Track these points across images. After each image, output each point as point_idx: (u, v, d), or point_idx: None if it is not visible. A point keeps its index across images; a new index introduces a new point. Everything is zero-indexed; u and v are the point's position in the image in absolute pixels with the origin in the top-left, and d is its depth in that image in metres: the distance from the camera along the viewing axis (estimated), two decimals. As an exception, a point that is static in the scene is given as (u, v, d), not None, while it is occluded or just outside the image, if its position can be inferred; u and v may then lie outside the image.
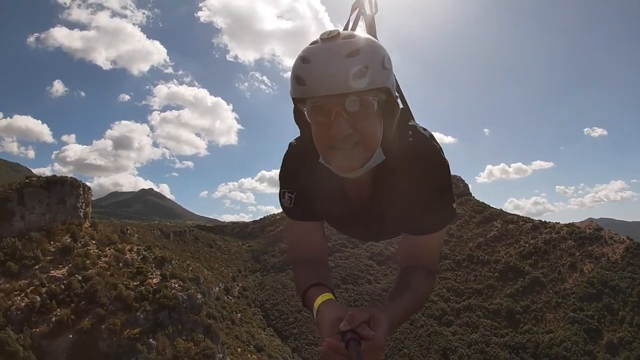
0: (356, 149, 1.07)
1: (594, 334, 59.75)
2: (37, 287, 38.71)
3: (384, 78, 1.05)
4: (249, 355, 49.37)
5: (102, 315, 37.52)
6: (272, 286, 78.86)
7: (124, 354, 36.05)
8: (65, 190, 46.60)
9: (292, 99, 1.11)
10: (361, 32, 1.25)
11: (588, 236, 75.30)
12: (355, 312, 0.92)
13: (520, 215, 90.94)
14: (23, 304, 37.23)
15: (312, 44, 1.06)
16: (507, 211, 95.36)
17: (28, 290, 38.28)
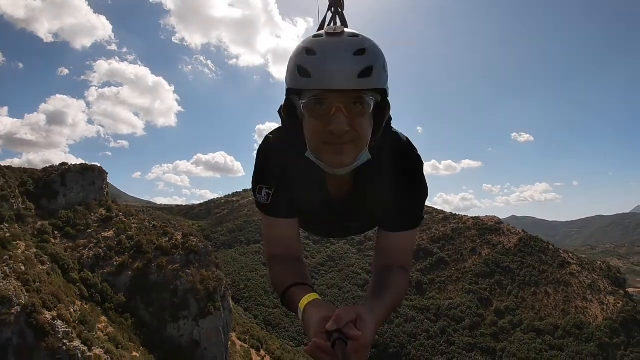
0: (349, 146, 1.08)
1: (485, 302, 72.63)
2: (97, 243, 54.65)
3: (384, 80, 1.07)
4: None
5: (150, 259, 55.40)
6: (223, 260, 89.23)
7: (170, 280, 54.94)
8: (95, 175, 61.17)
9: (287, 89, 1.10)
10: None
11: (489, 228, 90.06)
12: (342, 312, 0.91)
13: (435, 207, 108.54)
14: (91, 254, 53.21)
15: (315, 36, 1.06)
16: (436, 206, 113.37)
17: (91, 245, 54.13)
